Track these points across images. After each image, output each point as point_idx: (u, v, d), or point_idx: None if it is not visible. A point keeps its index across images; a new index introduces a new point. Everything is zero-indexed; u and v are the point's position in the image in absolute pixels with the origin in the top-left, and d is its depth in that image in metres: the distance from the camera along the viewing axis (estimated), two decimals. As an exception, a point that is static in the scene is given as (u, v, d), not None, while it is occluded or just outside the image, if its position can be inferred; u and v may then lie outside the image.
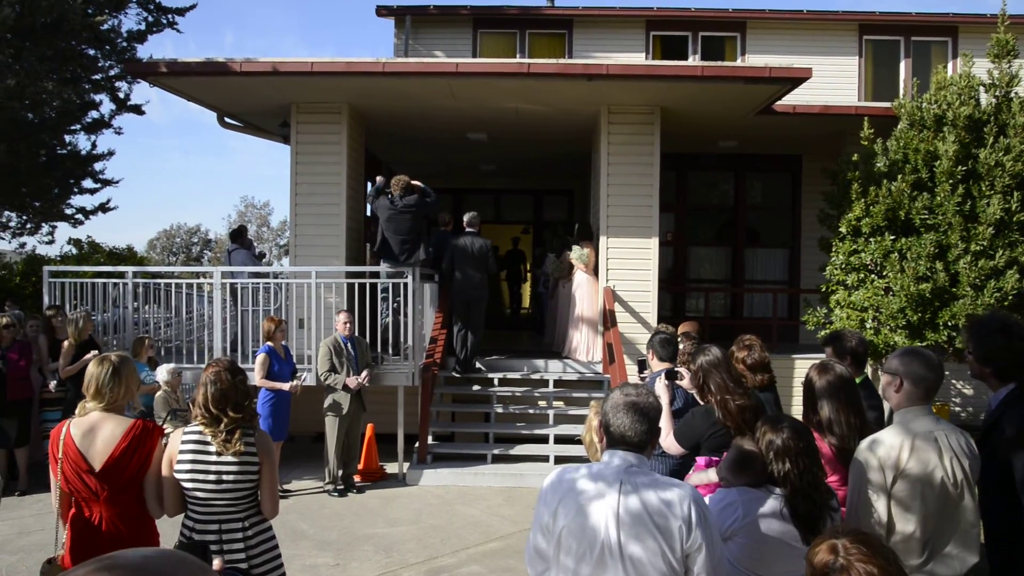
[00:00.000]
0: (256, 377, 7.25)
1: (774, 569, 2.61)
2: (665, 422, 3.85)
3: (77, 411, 3.20)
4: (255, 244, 11.51)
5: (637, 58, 13.19)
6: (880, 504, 2.71)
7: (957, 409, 10.70)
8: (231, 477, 3.07)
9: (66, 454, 3.06)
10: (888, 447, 2.72)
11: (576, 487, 2.29)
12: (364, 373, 7.74)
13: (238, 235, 10.75)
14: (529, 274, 15.93)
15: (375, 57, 8.57)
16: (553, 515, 2.29)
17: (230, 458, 3.08)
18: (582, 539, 2.23)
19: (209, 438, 3.09)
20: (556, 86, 8.85)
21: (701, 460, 3.64)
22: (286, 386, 7.28)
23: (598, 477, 2.28)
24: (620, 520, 2.20)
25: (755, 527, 2.58)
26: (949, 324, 7.81)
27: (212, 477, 3.06)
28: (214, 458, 3.07)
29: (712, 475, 3.34)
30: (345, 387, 7.52)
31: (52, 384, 7.80)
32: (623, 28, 13.66)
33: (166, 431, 3.38)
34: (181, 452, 3.10)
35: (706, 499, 2.66)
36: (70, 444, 3.07)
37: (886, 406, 4.20)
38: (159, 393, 7.13)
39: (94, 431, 3.10)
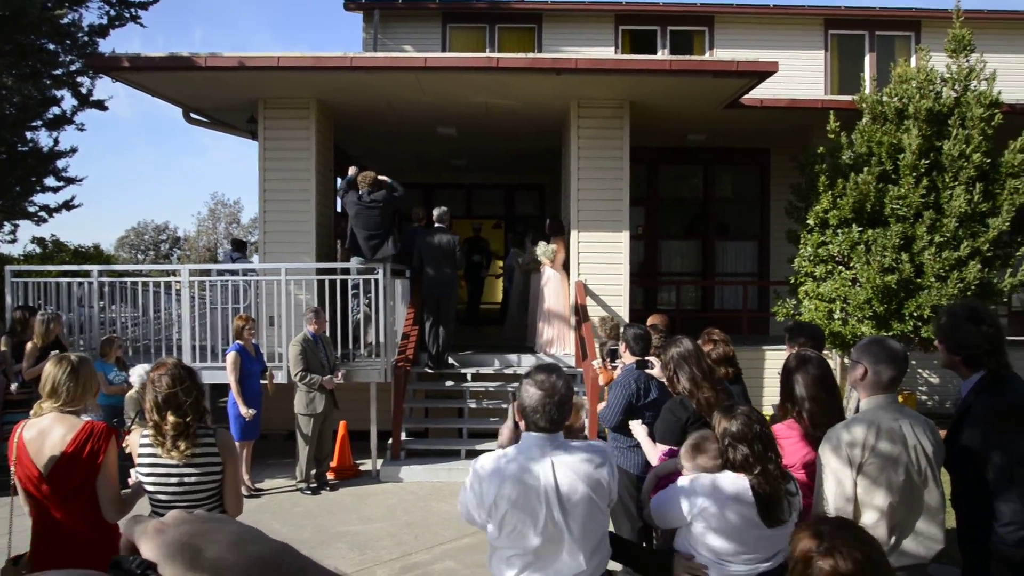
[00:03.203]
0: (229, 377, 7.19)
1: (731, 549, 2.71)
2: (652, 454, 3.90)
3: (33, 412, 3.13)
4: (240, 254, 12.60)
5: (606, 52, 13.23)
6: (847, 493, 2.74)
7: (924, 398, 10.90)
8: (192, 479, 3.01)
9: (18, 457, 3.00)
10: (853, 436, 2.75)
11: (511, 471, 2.47)
12: (340, 372, 7.69)
13: (241, 247, 12.03)
14: (499, 264, 15.70)
15: (343, 51, 8.50)
16: (494, 501, 2.46)
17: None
18: (526, 516, 2.43)
19: (154, 443, 3.03)
20: (525, 80, 8.84)
21: (663, 453, 3.68)
22: (245, 412, 7.17)
23: (527, 459, 2.50)
24: (559, 489, 2.44)
25: (713, 511, 2.70)
26: (915, 314, 7.95)
27: (173, 480, 3.00)
28: (174, 461, 3.01)
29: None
30: (321, 387, 7.46)
31: (14, 386, 7.64)
32: (592, 22, 13.69)
33: (132, 430, 3.33)
34: (140, 456, 3.04)
35: (670, 487, 2.92)
36: (21, 447, 3.01)
37: (854, 395, 4.26)
38: (130, 393, 7.02)
39: (44, 434, 3.03)
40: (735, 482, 2.72)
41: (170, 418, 2.99)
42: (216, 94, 9.51)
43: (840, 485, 2.74)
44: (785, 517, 2.69)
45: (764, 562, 2.74)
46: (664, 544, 3.13)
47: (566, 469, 2.47)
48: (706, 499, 2.72)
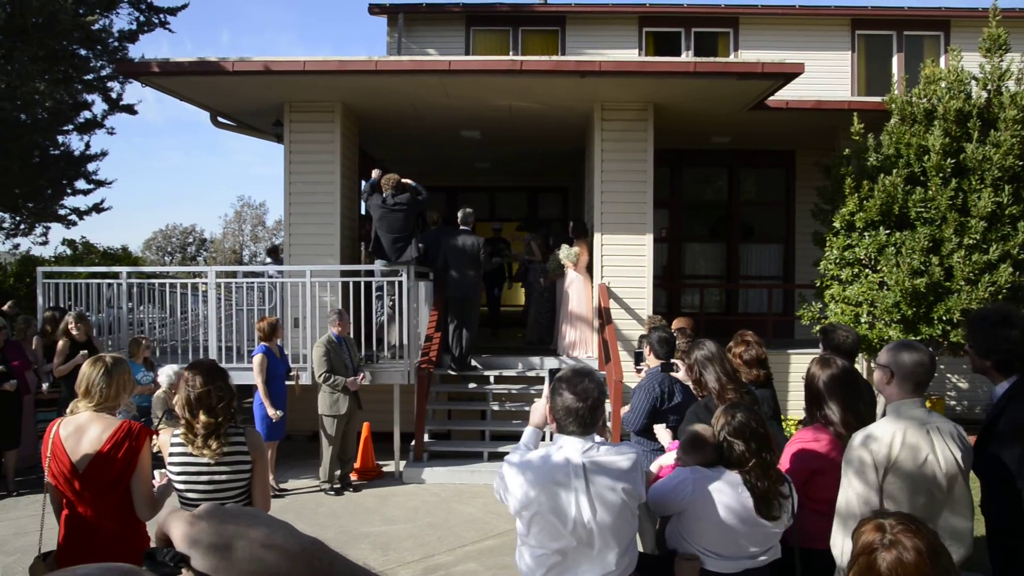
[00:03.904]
0: (256, 379, 7.25)
1: (719, 541, 2.82)
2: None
3: (69, 410, 3.19)
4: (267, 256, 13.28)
5: (630, 54, 13.19)
6: (872, 498, 2.71)
7: (952, 403, 10.74)
8: (223, 477, 3.06)
9: (54, 454, 3.06)
10: (879, 441, 2.72)
11: (541, 474, 2.50)
12: (364, 374, 7.74)
13: (275, 252, 12.59)
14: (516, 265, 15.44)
15: (368, 55, 8.57)
16: (523, 503, 2.49)
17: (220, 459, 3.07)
18: (555, 518, 2.46)
19: (185, 441, 3.08)
20: (549, 83, 8.84)
21: (676, 443, 3.70)
22: (273, 413, 7.22)
23: (558, 461, 2.52)
24: (590, 491, 2.47)
25: (704, 504, 2.81)
26: (944, 318, 7.84)
27: (204, 478, 3.05)
28: (204, 460, 3.06)
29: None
30: (344, 388, 7.51)
31: (45, 386, 7.78)
32: (616, 24, 13.65)
33: (159, 430, 3.39)
34: (171, 455, 3.10)
35: (667, 477, 3.02)
36: (57, 444, 3.06)
37: (881, 400, 4.21)
38: (158, 392, 7.11)
39: (81, 431, 3.09)
40: (728, 477, 2.84)
41: (202, 417, 3.04)
42: (243, 98, 9.61)
43: (864, 497, 2.71)
44: (777, 514, 2.80)
45: (752, 558, 2.84)
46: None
47: (597, 471, 2.50)
48: (699, 490, 2.82)
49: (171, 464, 3.08)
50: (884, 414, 2.92)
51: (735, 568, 2.83)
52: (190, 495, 3.06)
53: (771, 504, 2.78)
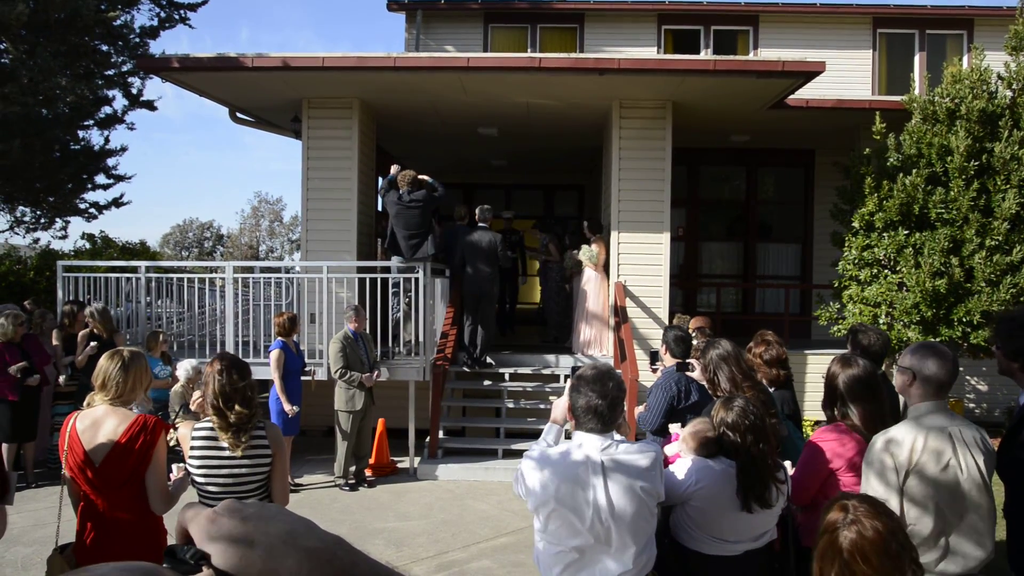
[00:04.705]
0: (273, 374, 7.27)
1: (722, 528, 2.93)
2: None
3: (86, 403, 3.21)
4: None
5: (649, 52, 13.13)
6: (892, 503, 2.68)
7: (972, 405, 10.62)
8: (243, 471, 3.07)
9: (70, 446, 3.07)
10: (900, 444, 2.69)
11: (560, 471, 2.51)
12: (380, 370, 7.75)
13: None
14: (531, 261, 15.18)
15: (386, 52, 8.56)
16: (541, 499, 2.51)
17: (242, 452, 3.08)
18: (573, 515, 2.48)
19: (219, 434, 3.09)
20: (567, 80, 8.81)
21: (672, 437, 3.73)
22: (289, 408, 7.23)
23: (576, 458, 2.53)
24: (608, 489, 2.49)
25: (706, 491, 2.92)
26: (964, 320, 7.75)
27: (225, 471, 3.06)
28: (226, 453, 3.06)
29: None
30: (360, 384, 7.52)
31: (62, 379, 7.85)
32: (634, 22, 13.60)
33: (177, 424, 3.40)
34: (192, 448, 3.10)
35: (669, 468, 3.09)
36: (74, 437, 3.08)
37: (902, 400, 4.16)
38: (176, 387, 7.15)
39: (97, 425, 3.10)
40: (727, 466, 2.95)
41: (237, 408, 3.07)
42: (261, 94, 9.65)
43: (884, 501, 2.68)
44: (772, 502, 2.91)
45: (752, 541, 2.97)
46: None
47: (616, 469, 2.51)
48: (699, 480, 2.92)
49: (192, 457, 3.08)
50: (906, 416, 2.89)
51: (737, 551, 2.94)
52: (210, 488, 3.07)
53: (767, 492, 2.87)
